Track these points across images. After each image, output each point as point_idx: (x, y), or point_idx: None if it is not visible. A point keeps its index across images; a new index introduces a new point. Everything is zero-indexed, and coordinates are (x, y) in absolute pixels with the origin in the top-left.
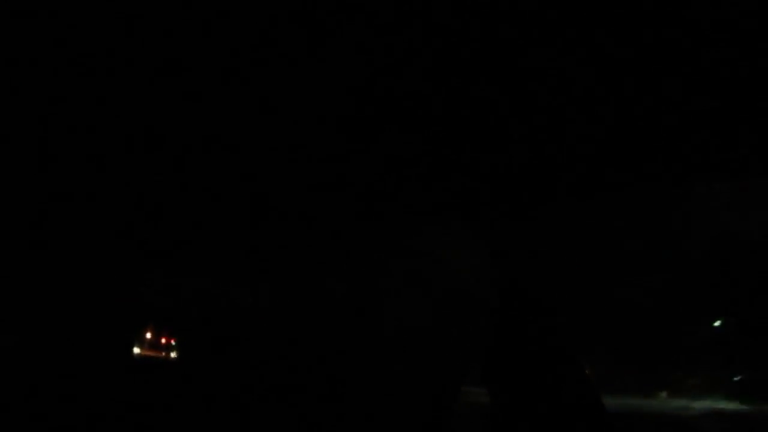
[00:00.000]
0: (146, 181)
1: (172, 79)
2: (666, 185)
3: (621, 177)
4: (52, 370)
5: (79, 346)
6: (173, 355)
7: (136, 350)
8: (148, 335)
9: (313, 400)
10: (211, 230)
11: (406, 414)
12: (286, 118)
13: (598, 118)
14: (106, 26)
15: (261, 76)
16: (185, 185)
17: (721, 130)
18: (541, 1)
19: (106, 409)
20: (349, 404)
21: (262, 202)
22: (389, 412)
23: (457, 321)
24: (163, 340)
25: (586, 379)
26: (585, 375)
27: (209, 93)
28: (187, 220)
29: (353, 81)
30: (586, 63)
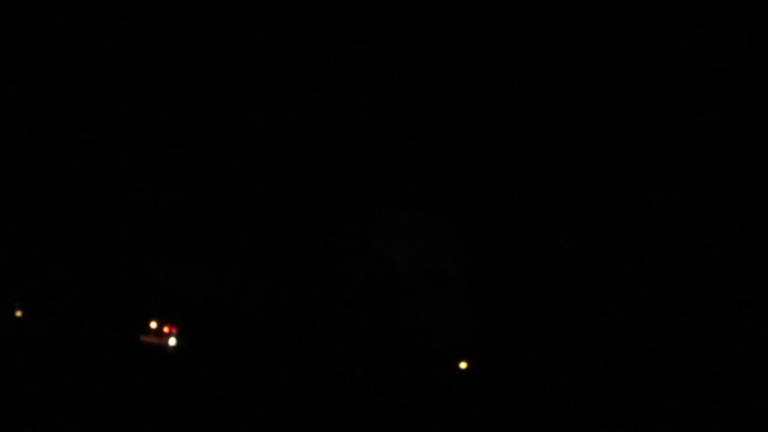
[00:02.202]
0: (151, 185)
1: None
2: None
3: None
4: (73, 354)
5: (94, 333)
6: (172, 342)
7: (145, 338)
8: (153, 325)
9: (304, 392)
10: (209, 229)
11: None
12: (284, 122)
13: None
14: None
15: (249, 80)
16: (186, 188)
17: None
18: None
19: (115, 387)
20: (340, 398)
21: (256, 201)
22: (383, 402)
23: (440, 311)
24: (166, 329)
25: (572, 368)
26: (572, 363)
27: (208, 96)
28: (187, 220)
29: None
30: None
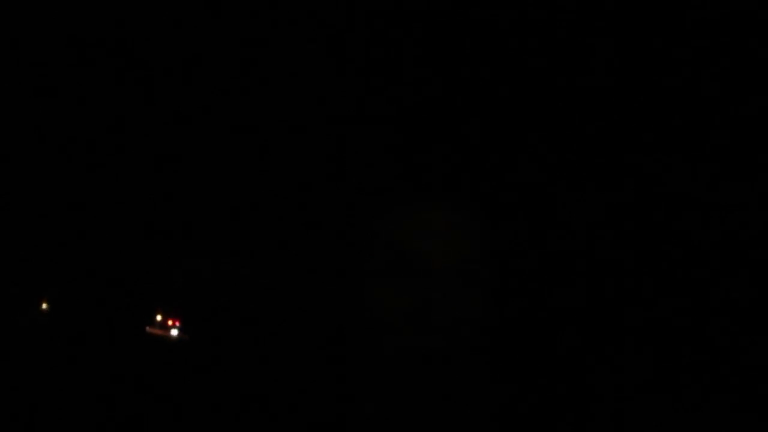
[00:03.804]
0: (159, 188)
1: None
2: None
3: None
4: (87, 341)
5: (107, 324)
6: (174, 333)
7: (150, 329)
8: (159, 318)
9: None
10: (213, 228)
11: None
12: (285, 120)
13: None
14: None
15: (256, 76)
16: (193, 190)
17: None
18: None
19: (123, 371)
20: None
21: (262, 200)
22: (385, 400)
23: (453, 307)
24: (170, 322)
25: (582, 368)
26: (582, 363)
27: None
28: (191, 221)
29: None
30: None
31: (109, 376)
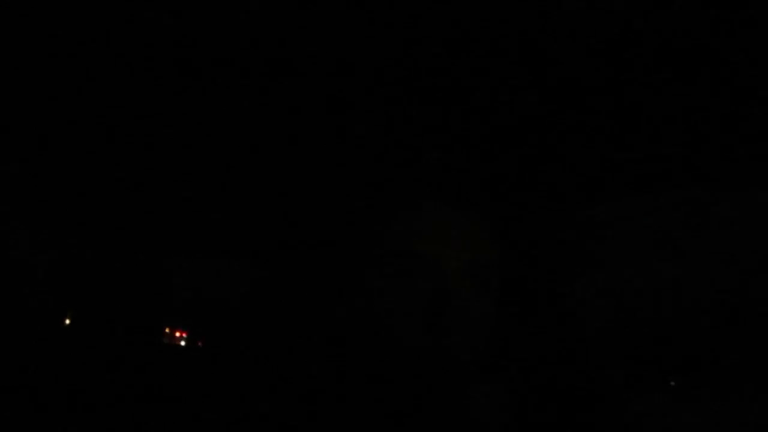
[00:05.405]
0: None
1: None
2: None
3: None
4: (104, 350)
5: (120, 337)
6: (182, 344)
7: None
8: (167, 330)
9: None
10: (228, 229)
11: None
12: (285, 118)
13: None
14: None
15: (256, 75)
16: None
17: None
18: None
19: (135, 380)
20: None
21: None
22: (385, 407)
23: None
24: (177, 334)
25: (587, 380)
26: (589, 375)
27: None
28: (196, 231)
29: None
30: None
31: (124, 381)
